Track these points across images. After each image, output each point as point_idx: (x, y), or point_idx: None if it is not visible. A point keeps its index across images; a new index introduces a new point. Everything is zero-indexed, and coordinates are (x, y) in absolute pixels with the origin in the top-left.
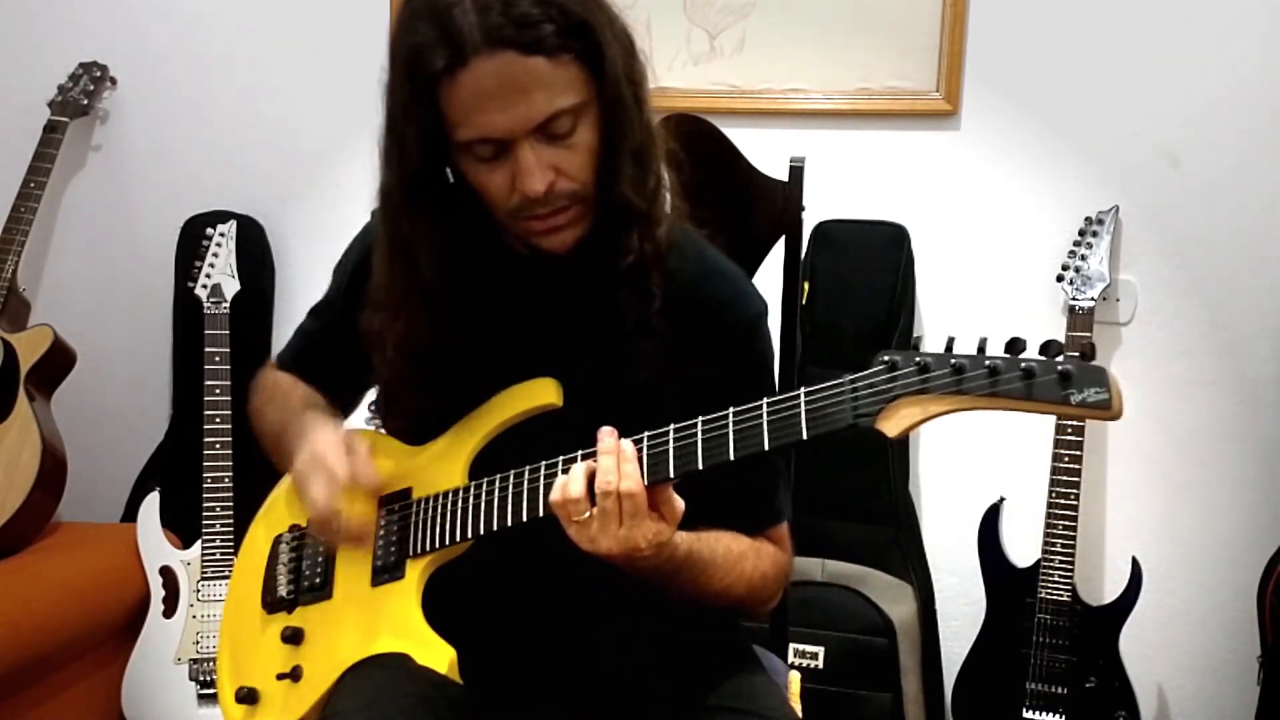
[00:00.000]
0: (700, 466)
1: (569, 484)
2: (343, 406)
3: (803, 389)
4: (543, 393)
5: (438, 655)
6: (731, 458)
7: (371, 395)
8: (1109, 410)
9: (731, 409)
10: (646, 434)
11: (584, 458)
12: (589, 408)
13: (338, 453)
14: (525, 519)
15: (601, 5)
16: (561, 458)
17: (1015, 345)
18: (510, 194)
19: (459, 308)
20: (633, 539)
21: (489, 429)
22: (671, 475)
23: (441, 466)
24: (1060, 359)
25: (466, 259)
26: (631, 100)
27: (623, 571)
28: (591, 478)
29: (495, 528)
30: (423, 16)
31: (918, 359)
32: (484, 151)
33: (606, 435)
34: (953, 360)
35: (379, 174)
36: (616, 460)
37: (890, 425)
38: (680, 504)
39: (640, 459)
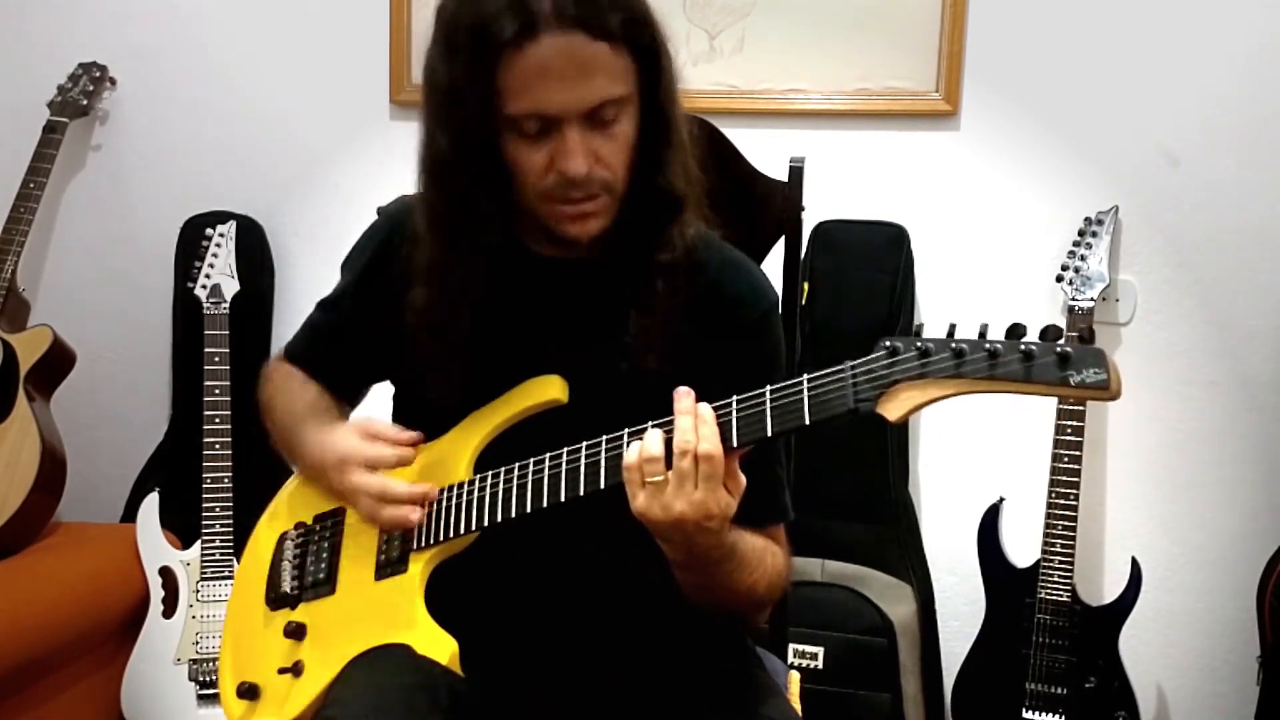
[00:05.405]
0: None
1: (645, 444)
2: (348, 400)
3: (805, 375)
4: (548, 389)
5: (440, 647)
6: (735, 444)
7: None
8: (1107, 390)
9: (735, 397)
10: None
11: (655, 426)
12: (597, 404)
13: (368, 446)
14: (529, 510)
15: (652, 10)
16: (566, 449)
17: (1015, 331)
18: (546, 173)
19: (484, 299)
20: (707, 504)
21: (493, 425)
22: None
23: (446, 463)
24: (1059, 341)
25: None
26: (676, 98)
27: (625, 571)
28: (668, 443)
29: (499, 519)
30: None
31: (918, 344)
32: (531, 127)
33: (684, 396)
34: (953, 344)
35: (426, 141)
36: (694, 421)
37: (891, 409)
38: (743, 480)
39: None
